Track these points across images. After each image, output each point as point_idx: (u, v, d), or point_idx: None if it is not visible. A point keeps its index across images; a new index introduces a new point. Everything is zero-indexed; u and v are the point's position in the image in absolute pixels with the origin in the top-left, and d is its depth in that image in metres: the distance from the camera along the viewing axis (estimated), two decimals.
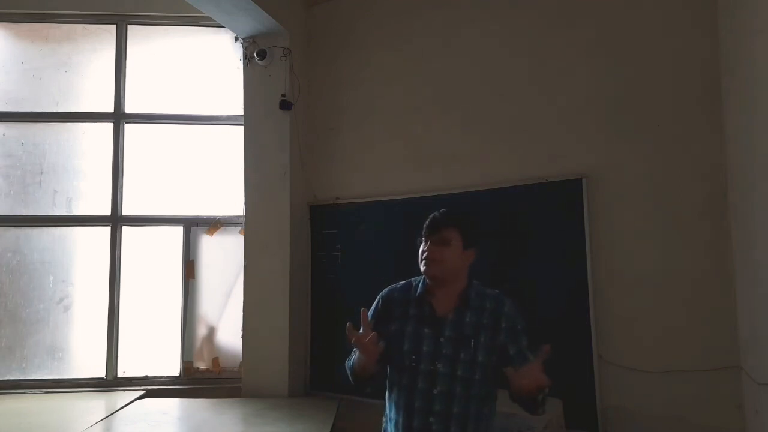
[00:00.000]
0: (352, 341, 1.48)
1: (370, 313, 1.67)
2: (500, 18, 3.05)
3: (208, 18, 3.26)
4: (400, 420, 1.57)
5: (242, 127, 3.42)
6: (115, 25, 3.72)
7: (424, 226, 1.60)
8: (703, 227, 2.50)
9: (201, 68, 3.74)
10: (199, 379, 3.47)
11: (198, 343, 3.54)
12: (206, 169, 3.67)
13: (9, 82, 3.67)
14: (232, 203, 3.56)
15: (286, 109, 3.31)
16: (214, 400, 3.07)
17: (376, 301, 1.72)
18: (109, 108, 3.67)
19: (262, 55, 3.32)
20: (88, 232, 3.61)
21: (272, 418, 2.70)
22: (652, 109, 2.64)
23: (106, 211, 3.59)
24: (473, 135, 3.05)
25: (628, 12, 2.73)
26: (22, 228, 3.56)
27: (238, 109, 3.52)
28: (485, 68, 3.06)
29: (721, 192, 2.47)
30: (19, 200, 3.59)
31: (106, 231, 3.57)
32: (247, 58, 3.41)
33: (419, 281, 1.65)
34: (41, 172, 3.61)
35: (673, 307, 2.51)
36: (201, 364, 3.51)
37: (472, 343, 1.53)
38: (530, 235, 2.76)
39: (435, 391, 1.53)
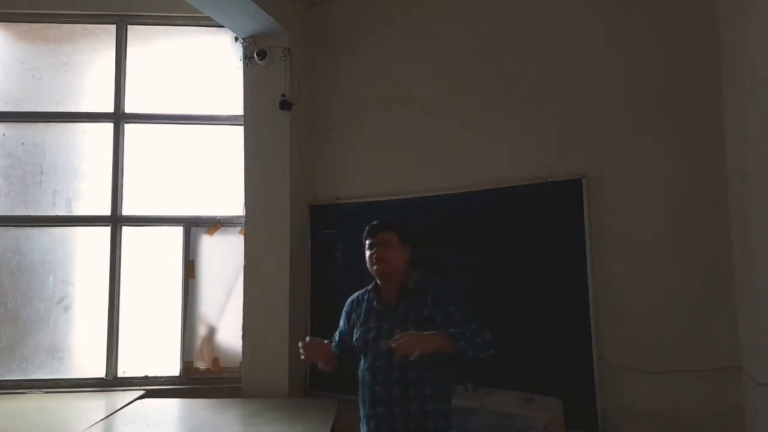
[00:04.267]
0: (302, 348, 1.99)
1: (342, 316, 2.10)
2: (501, 18, 3.05)
3: (208, 18, 3.26)
4: (367, 404, 1.88)
5: (242, 127, 3.42)
6: (115, 25, 3.71)
7: (366, 233, 1.96)
8: (703, 227, 2.50)
9: (201, 68, 3.73)
10: (199, 379, 3.47)
11: (198, 343, 3.53)
12: (206, 169, 3.66)
13: (9, 82, 3.67)
14: (232, 203, 3.56)
15: (286, 109, 3.31)
16: (214, 400, 3.07)
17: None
18: (109, 108, 3.66)
19: (262, 55, 3.32)
20: (88, 232, 3.61)
21: (272, 418, 2.70)
22: (652, 109, 2.64)
23: (106, 211, 3.58)
24: (473, 135, 3.05)
25: (628, 12, 2.73)
26: (22, 228, 3.56)
27: (238, 109, 3.51)
28: (486, 68, 3.06)
29: (722, 192, 2.48)
30: (19, 200, 3.58)
31: (106, 231, 3.57)
32: (247, 58, 3.41)
33: (372, 285, 2.01)
34: (41, 172, 3.61)
35: (673, 307, 2.52)
36: (201, 364, 3.51)
37: (405, 320, 1.83)
38: (530, 235, 2.76)
39: (378, 364, 1.85)
